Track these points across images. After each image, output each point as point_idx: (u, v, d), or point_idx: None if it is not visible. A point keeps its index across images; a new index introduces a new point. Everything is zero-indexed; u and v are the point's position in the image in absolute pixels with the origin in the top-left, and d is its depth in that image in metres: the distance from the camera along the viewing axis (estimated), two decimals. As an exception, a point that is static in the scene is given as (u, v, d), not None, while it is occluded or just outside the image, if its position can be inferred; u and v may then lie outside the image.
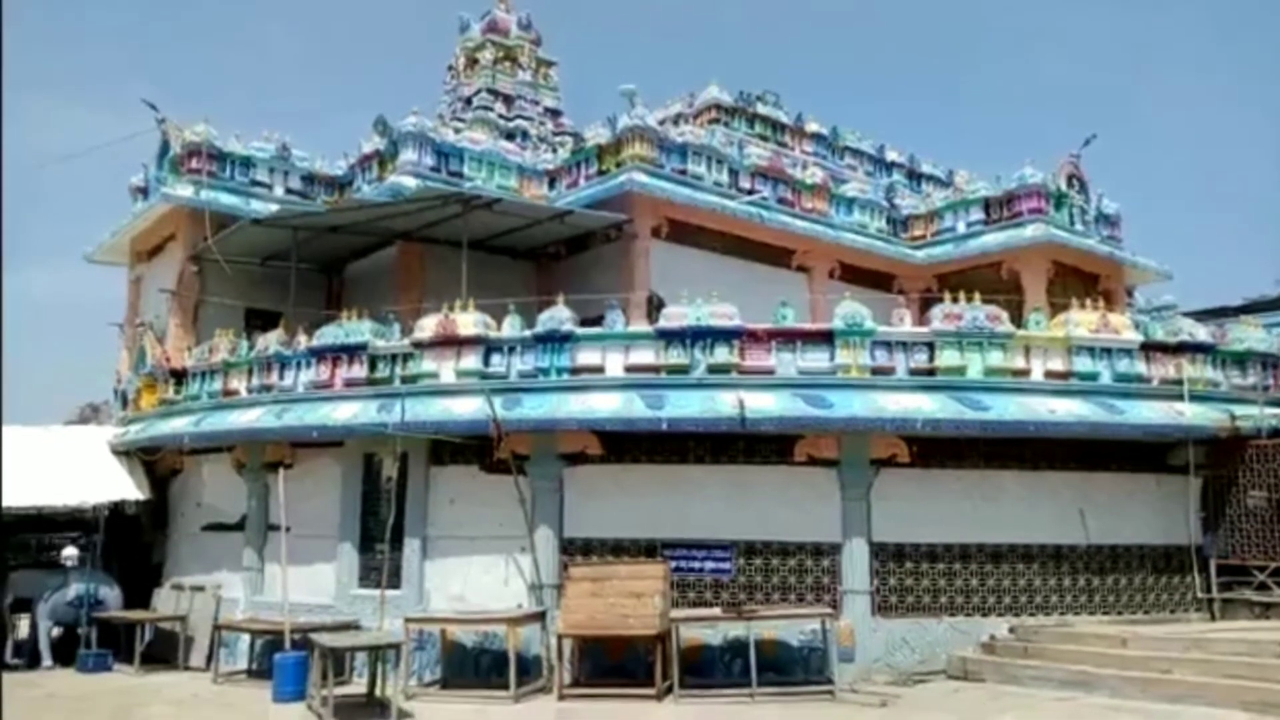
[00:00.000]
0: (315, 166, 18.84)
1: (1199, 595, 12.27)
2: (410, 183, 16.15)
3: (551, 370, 11.98)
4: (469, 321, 12.36)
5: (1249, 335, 13.36)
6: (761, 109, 20.94)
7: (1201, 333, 12.87)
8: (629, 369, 11.86)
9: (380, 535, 12.02)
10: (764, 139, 20.40)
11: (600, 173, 16.84)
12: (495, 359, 12.22)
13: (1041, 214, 18.24)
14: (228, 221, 16.13)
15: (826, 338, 11.94)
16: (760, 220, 17.32)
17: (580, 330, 12.14)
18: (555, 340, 12.00)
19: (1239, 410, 12.19)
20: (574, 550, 11.77)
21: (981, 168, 21.73)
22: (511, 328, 12.36)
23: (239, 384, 13.88)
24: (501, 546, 11.84)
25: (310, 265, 17.51)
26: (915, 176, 22.68)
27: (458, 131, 18.56)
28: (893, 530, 11.67)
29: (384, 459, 12.31)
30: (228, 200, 17.17)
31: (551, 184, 17.95)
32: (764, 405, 11.30)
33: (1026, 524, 11.96)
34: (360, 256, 17.74)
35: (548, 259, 17.81)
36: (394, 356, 12.65)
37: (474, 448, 11.96)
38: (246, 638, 12.65)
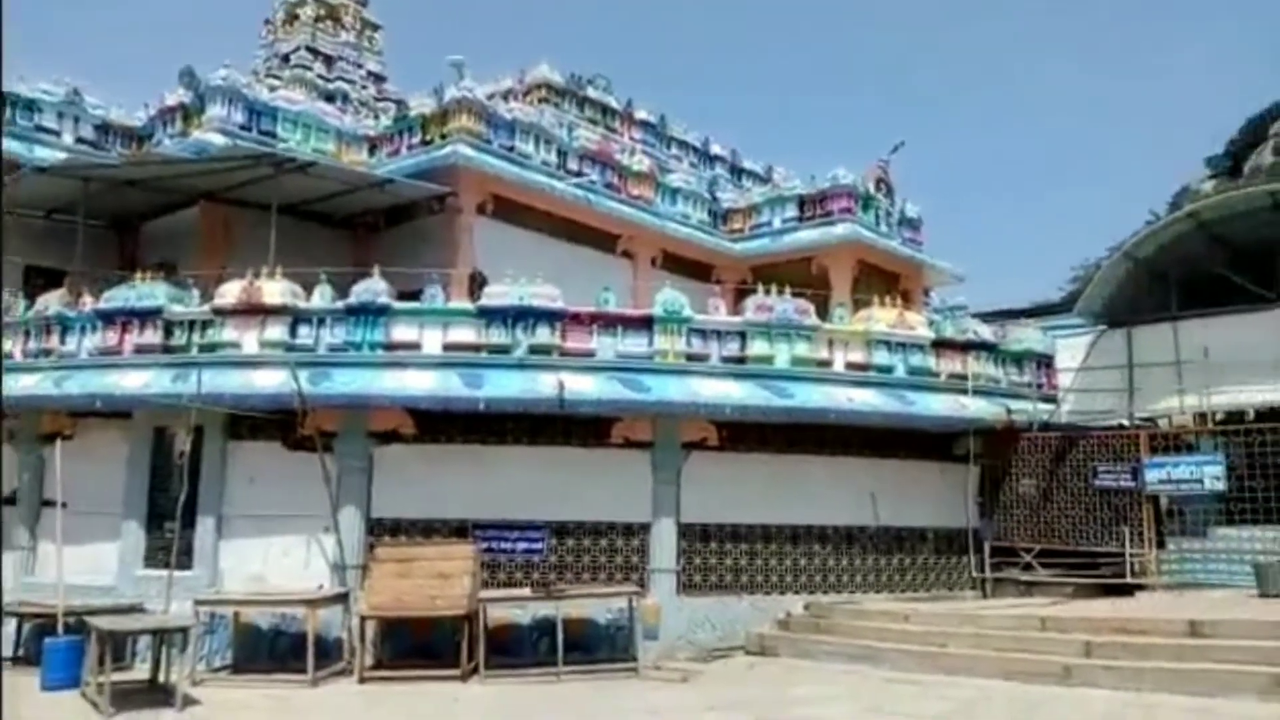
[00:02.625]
0: (111, 115, 17.42)
1: (974, 575, 13.32)
2: (217, 140, 15.17)
3: (364, 345, 11.61)
4: (276, 290, 11.79)
5: (1027, 337, 14.63)
6: (592, 93, 20.96)
7: (986, 332, 13.99)
8: (448, 347, 11.66)
9: (170, 513, 11.27)
10: (593, 123, 20.43)
11: (424, 143, 16.41)
12: (303, 330, 11.72)
13: (851, 214, 19.17)
14: (8, 169, 14.64)
15: (646, 323, 12.17)
16: (588, 203, 17.38)
17: (397, 304, 11.83)
18: (369, 313, 11.63)
19: (1015, 405, 13.34)
20: (382, 531, 11.48)
21: (800, 165, 22.60)
22: (322, 298, 11.89)
23: (14, 347, 12.69)
24: (304, 526, 11.38)
25: (101, 222, 16.19)
26: (737, 171, 23.32)
27: (272, 89, 17.61)
28: (700, 511, 12.04)
29: (177, 432, 11.55)
30: (9, 146, 15.56)
31: (372, 151, 17.34)
32: (584, 387, 11.39)
33: (824, 507, 12.61)
34: (159, 215, 16.51)
35: (365, 229, 17.20)
36: (191, 323, 11.91)
37: (277, 423, 11.43)
38: (14, 622, 11.58)
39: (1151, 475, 12.08)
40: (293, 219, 15.33)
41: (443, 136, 16.01)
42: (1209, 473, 11.72)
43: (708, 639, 11.68)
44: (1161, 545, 12.17)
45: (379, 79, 21.21)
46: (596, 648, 11.22)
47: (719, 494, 12.10)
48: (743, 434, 12.30)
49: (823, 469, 12.69)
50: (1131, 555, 12.05)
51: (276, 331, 11.64)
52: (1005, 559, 13.20)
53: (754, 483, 12.28)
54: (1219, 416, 12.90)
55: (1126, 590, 11.85)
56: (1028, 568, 12.93)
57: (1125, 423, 13.11)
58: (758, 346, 12.43)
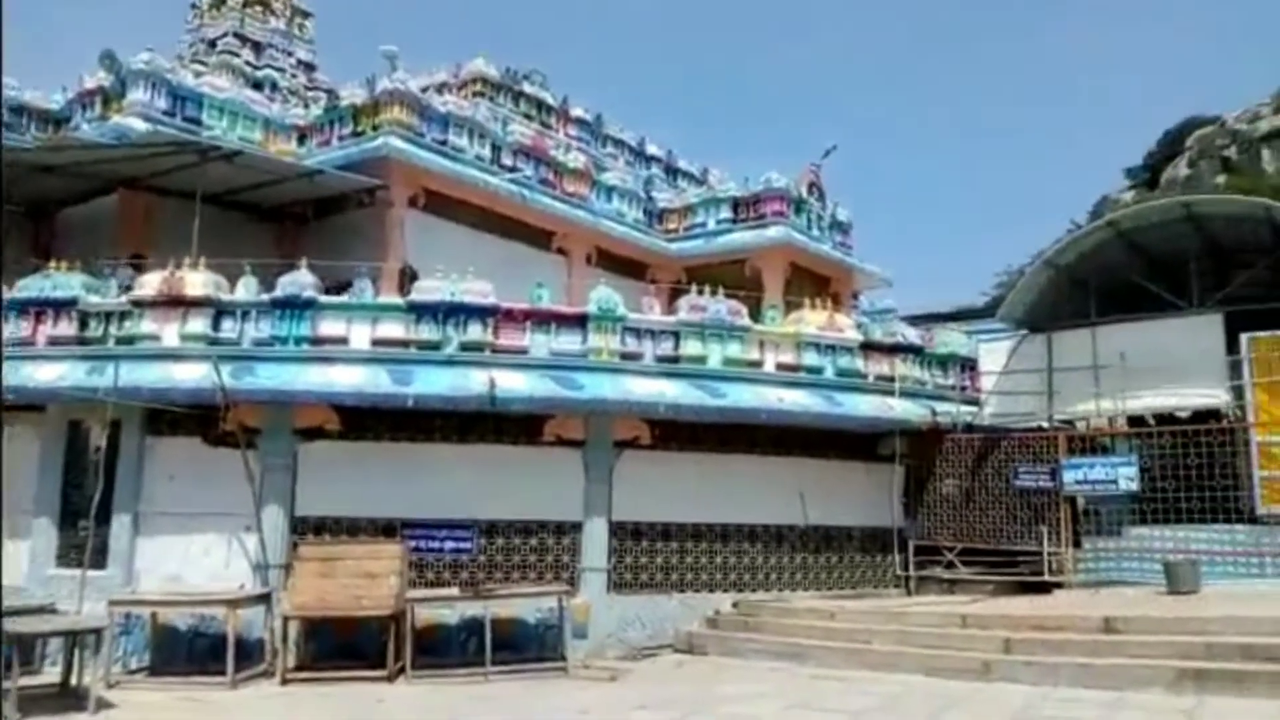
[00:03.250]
0: (25, 97, 16.73)
1: (899, 573, 13.58)
2: (139, 125, 14.67)
3: (290, 339, 11.36)
4: (199, 281, 11.47)
5: (952, 340, 14.98)
6: (528, 88, 20.80)
7: (912, 336, 14.28)
8: (376, 342, 11.48)
9: (85, 511, 10.85)
10: (528, 118, 20.28)
11: (355, 134, 16.11)
12: (227, 323, 11.42)
13: (784, 217, 19.36)
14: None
15: (580, 321, 12.14)
16: (522, 199, 17.24)
17: (324, 298, 11.61)
18: (295, 307, 11.39)
19: (939, 407, 13.64)
20: (306, 529, 11.26)
21: (735, 168, 22.77)
22: (247, 290, 11.60)
23: (-85, 337, 12.11)
24: (225, 525, 11.10)
25: (15, 208, 15.56)
26: (672, 171, 23.37)
27: (198, 75, 17.08)
28: (632, 510, 12.06)
29: (93, 427, 11.15)
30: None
31: (301, 140, 16.95)
32: (515, 385, 11.31)
33: (753, 506, 12.73)
34: (77, 202, 15.96)
35: (293, 221, 16.83)
36: (109, 315, 11.52)
37: (198, 418, 11.12)
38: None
39: (1069, 476, 12.45)
40: (217, 209, 14.91)
41: (374, 128, 15.73)
42: (1123, 474, 12.12)
43: (637, 637, 11.70)
44: (1078, 544, 12.53)
45: (309, 68, 20.73)
46: (526, 647, 11.15)
47: (651, 492, 12.12)
48: (675, 433, 12.35)
49: (753, 468, 12.80)
50: (1049, 554, 12.39)
51: (198, 324, 11.33)
52: (929, 557, 13.48)
53: (685, 481, 12.34)
54: (1133, 419, 13.35)
55: (1045, 588, 12.18)
56: (950, 566, 13.23)
57: (1045, 425, 13.48)
58: (691, 346, 12.50)
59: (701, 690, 9.38)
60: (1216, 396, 12.55)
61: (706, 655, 11.20)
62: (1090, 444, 12.88)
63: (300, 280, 11.54)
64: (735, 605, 12.19)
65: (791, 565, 12.96)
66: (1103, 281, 13.82)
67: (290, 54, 20.46)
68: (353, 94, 16.50)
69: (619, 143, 22.34)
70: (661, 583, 12.15)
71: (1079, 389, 13.30)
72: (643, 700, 8.90)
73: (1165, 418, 12.87)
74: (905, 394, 13.58)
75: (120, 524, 11.15)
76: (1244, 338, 12.27)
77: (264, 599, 10.72)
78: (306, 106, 18.16)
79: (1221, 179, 42.80)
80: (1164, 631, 9.08)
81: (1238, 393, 12.37)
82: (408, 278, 13.97)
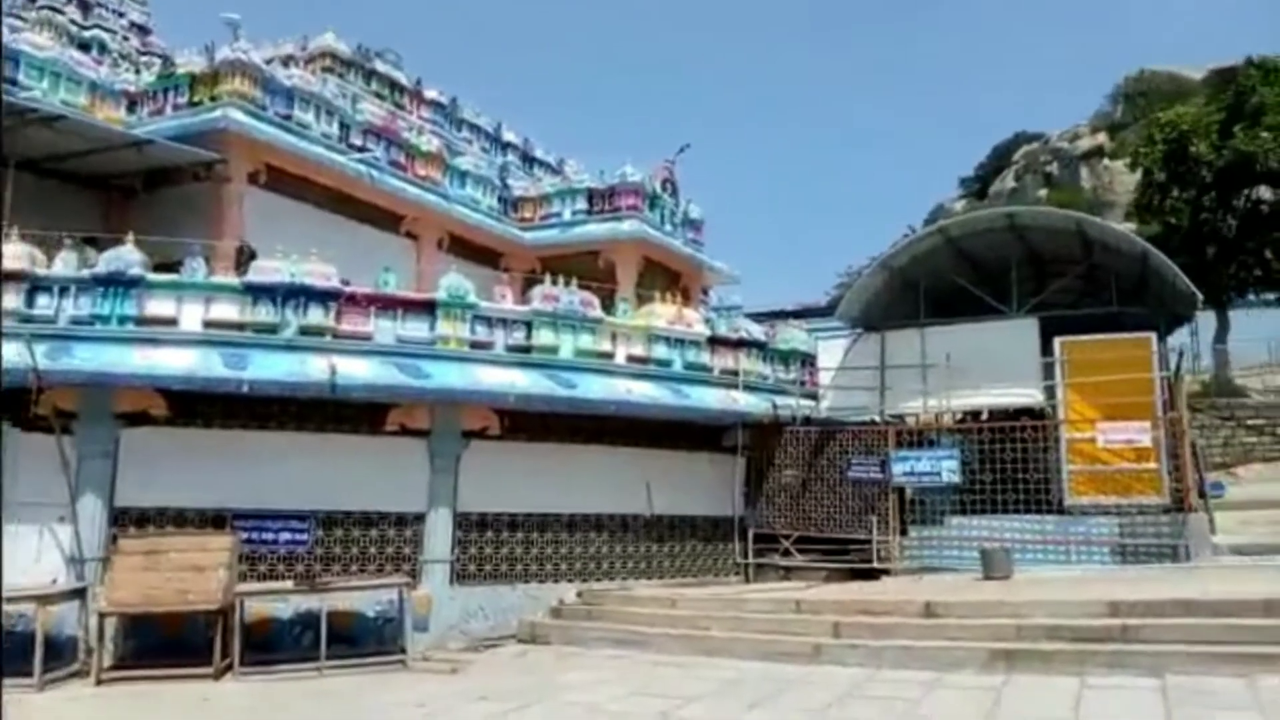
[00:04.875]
0: None
1: (738, 560, 13.99)
2: (-56, 82, 13.46)
3: (113, 318, 10.68)
4: (12, 253, 10.61)
5: (794, 336, 15.52)
6: (380, 66, 20.19)
7: (757, 332, 14.74)
8: (209, 324, 10.94)
9: None
10: (380, 98, 19.71)
11: (192, 104, 15.24)
12: (42, 300, 10.64)
13: (638, 211, 19.56)
14: None
15: (429, 308, 11.93)
16: (370, 180, 16.74)
17: (153, 276, 10.98)
18: (120, 284, 10.72)
19: (780, 400, 14.12)
20: (128, 521, 10.63)
21: (590, 161, 22.80)
22: (66, 265, 10.84)
23: None
24: (36, 515, 10.32)
25: None
26: (529, 160, 23.20)
27: (15, 31, 15.78)
28: (478, 500, 11.95)
29: (-120, 409, 10.18)
30: None
31: (132, 108, 15.90)
32: (358, 372, 11.01)
33: (601, 495, 12.85)
34: None
35: (121, 193, 15.79)
36: (-96, 287, 10.51)
37: (8, 401, 10.30)
38: None
39: (898, 468, 13.15)
40: (35, 176, 13.89)
41: (213, 99, 14.92)
42: (946, 466, 12.89)
43: (480, 629, 11.62)
44: (904, 532, 13.24)
45: (143, 31, 19.46)
46: (364, 641, 10.90)
47: (498, 483, 12.05)
48: (525, 423, 12.30)
49: (601, 458, 12.90)
50: (878, 542, 13.05)
51: (10, 299, 10.48)
52: (767, 545, 13.95)
53: (533, 472, 12.31)
54: (957, 416, 14.20)
55: (874, 574, 12.80)
56: (787, 554, 13.72)
57: (877, 419, 14.15)
58: (543, 336, 12.48)
59: (543, 679, 9.40)
60: (1032, 395, 13.49)
61: (549, 645, 11.22)
62: (918, 438, 13.62)
63: (126, 256, 10.86)
64: (579, 595, 12.27)
65: (636, 554, 13.15)
66: (933, 284, 14.61)
67: (122, 15, 19.15)
68: (190, 62, 15.62)
69: (474, 128, 22.01)
70: (506, 573, 12.10)
71: (909, 386, 14.02)
72: (483, 691, 8.85)
73: (993, 414, 13.74)
74: (749, 388, 13.99)
75: (-88, 515, 10.23)
76: (1057, 341, 13.25)
77: (79, 594, 10.07)
78: (138, 72, 17.05)
79: (1044, 193, 45.98)
80: (979, 615, 9.68)
81: (1050, 392, 13.33)
82: (245, 257, 13.38)
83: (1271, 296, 20.27)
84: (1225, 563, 11.67)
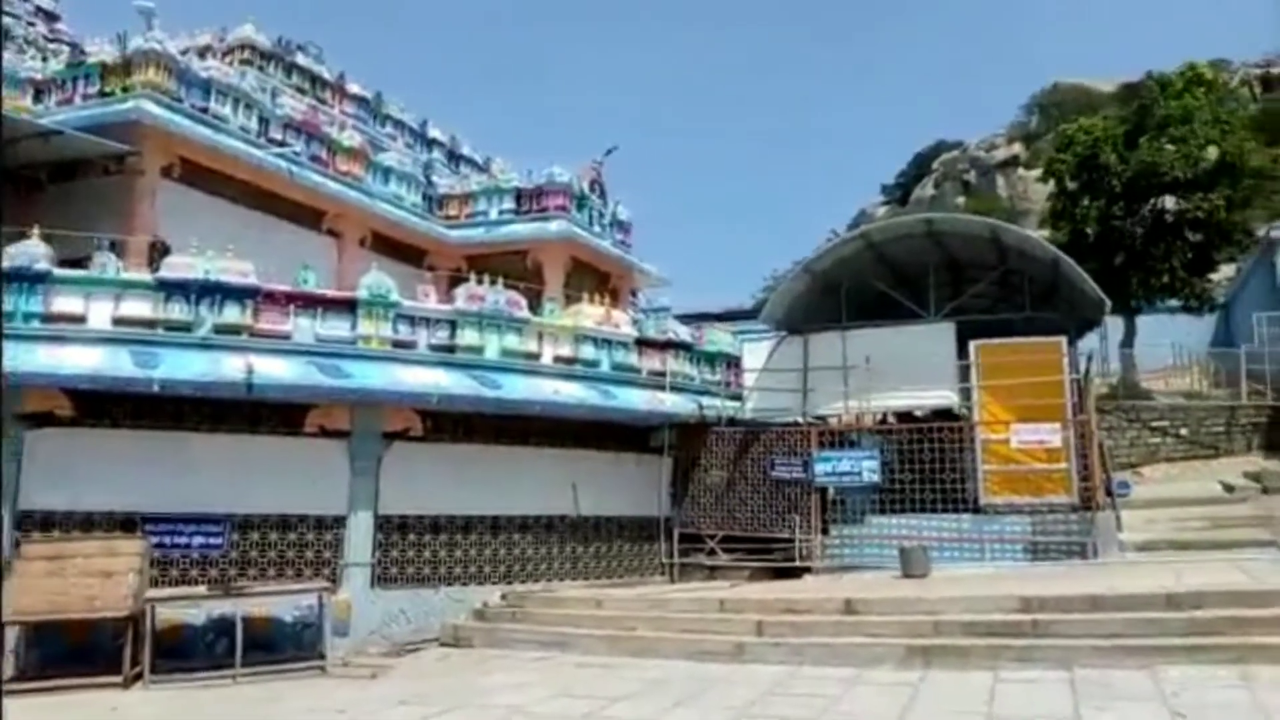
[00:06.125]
0: None
1: (664, 560, 14.05)
2: None
3: (18, 315, 10.25)
4: (-96, 246, 10.11)
5: (720, 339, 15.67)
6: (301, 60, 19.75)
7: (685, 333, 14.83)
8: (119, 321, 10.59)
9: None
10: (301, 92, 19.27)
11: (103, 94, 14.71)
12: (-62, 296, 10.15)
13: (566, 212, 19.46)
14: None
15: (350, 306, 11.73)
16: (289, 175, 16.35)
17: (60, 271, 10.59)
18: (25, 280, 10.31)
19: (706, 401, 14.24)
20: (32, 525, 10.23)
21: (517, 161, 22.67)
22: (-35, 260, 10.34)
23: None
24: (-70, 520, 9.87)
25: None
26: (455, 158, 22.93)
27: (-92, 12, 15.07)
28: (400, 502, 11.79)
29: None
30: None
31: (38, 97, 15.28)
32: (275, 372, 10.77)
33: (526, 497, 12.79)
34: None
35: (26, 185, 15.14)
36: None
37: (-101, 400, 9.83)
38: None
39: (820, 468, 13.35)
40: (-69, 166, 13.21)
41: (125, 89, 14.42)
42: (866, 466, 13.14)
43: (402, 633, 11.46)
44: (826, 531, 13.44)
45: (51, 17, 18.76)
46: (282, 647, 10.64)
47: (421, 485, 11.90)
48: (448, 424, 12.17)
49: (527, 460, 12.84)
50: (801, 540, 13.23)
51: (-99, 294, 10.00)
52: (693, 545, 14.04)
53: (457, 473, 12.20)
54: (877, 416, 14.47)
55: (796, 573, 12.98)
56: (712, 553, 13.83)
57: (800, 420, 14.34)
58: (468, 336, 12.37)
59: (465, 683, 9.30)
60: (949, 397, 13.82)
61: (473, 648, 11.11)
62: (839, 439, 13.84)
63: (31, 251, 10.45)
64: (504, 597, 12.18)
65: (562, 555, 13.10)
66: (855, 288, 14.87)
67: (28, 0, 18.42)
68: (102, 51, 15.06)
69: (399, 123, 21.66)
70: (429, 576, 11.95)
71: (831, 387, 14.23)
72: (403, 696, 8.71)
73: (905, 415, 14.02)
74: (676, 389, 14.07)
75: None
76: (972, 345, 13.60)
77: (-24, 603, 9.62)
78: (45, 60, 16.39)
79: (961, 200, 47.26)
80: (897, 612, 9.88)
81: (966, 394, 13.68)
82: (159, 253, 12.98)
83: (1175, 304, 21.07)
84: (1131, 559, 12.09)
